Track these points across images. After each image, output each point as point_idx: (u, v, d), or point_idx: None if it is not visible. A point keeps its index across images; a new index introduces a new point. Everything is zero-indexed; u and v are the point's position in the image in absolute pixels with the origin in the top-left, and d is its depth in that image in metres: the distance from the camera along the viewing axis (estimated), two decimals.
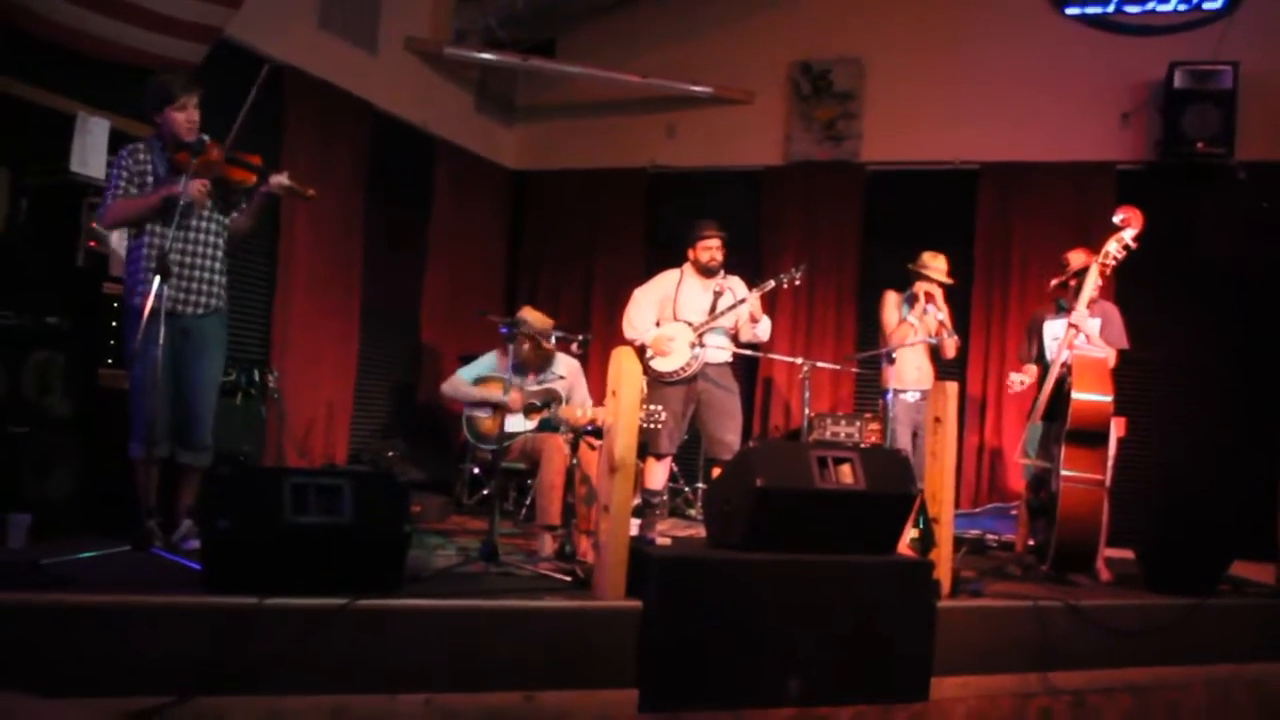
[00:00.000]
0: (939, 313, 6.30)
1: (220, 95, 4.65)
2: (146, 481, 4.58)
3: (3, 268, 4.90)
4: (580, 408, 5.66)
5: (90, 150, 5.50)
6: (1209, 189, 7.91)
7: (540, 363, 5.91)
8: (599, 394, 4.89)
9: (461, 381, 5.91)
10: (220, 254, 4.80)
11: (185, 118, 4.65)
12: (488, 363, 5.96)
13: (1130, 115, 8.19)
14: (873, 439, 7.57)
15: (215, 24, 6.09)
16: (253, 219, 4.88)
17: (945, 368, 6.66)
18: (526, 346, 5.77)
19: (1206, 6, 8.04)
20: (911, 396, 6.33)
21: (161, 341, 4.34)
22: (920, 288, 6.34)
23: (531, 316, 5.88)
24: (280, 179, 4.71)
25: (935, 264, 6.42)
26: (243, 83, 4.49)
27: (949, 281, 6.43)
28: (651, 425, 5.55)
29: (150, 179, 4.67)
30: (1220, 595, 5.21)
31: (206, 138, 4.61)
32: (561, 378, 5.96)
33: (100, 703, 3.25)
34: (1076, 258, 5.89)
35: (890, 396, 6.18)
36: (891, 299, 6.52)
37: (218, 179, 4.62)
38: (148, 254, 4.61)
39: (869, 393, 8.21)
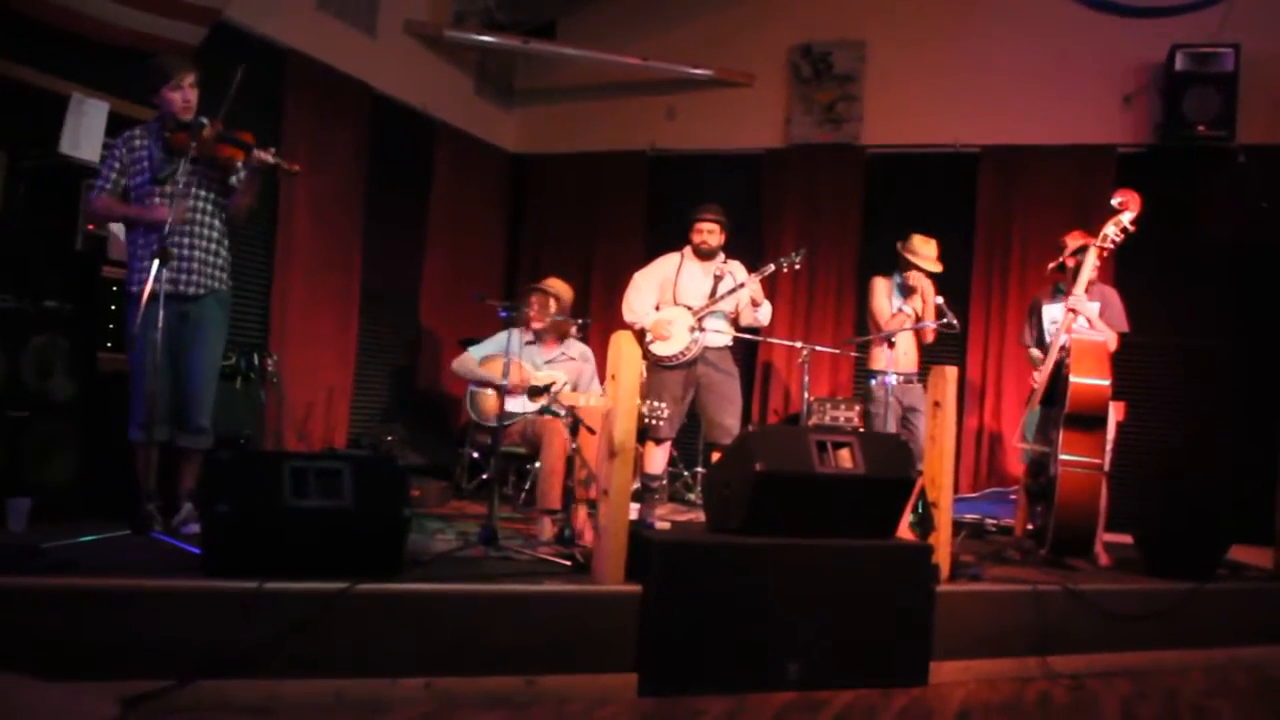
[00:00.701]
0: (933, 299, 6.28)
1: (219, 77, 4.62)
2: (146, 466, 4.59)
3: (1, 251, 4.89)
4: (585, 395, 5.66)
5: (85, 132, 5.49)
6: (1209, 172, 7.89)
7: (555, 334, 5.94)
8: (603, 378, 4.90)
9: (470, 359, 5.92)
10: (218, 234, 4.79)
11: (181, 97, 4.65)
12: (499, 340, 5.94)
13: (1131, 98, 8.16)
14: (856, 422, 7.56)
15: (214, 5, 6.07)
16: (249, 198, 4.84)
17: (945, 352, 6.65)
18: (553, 306, 5.89)
19: None
20: (895, 379, 6.29)
21: (160, 325, 4.34)
22: (913, 279, 6.30)
23: (559, 286, 6.04)
24: (263, 154, 4.67)
25: (925, 250, 6.37)
26: (241, 65, 4.48)
27: (938, 269, 6.40)
28: (653, 421, 5.57)
29: (145, 164, 4.67)
30: (1219, 579, 5.22)
31: (205, 120, 4.59)
32: (572, 359, 5.98)
33: (100, 686, 3.25)
34: (1074, 241, 5.88)
35: (890, 380, 6.17)
36: (881, 287, 6.47)
37: (209, 158, 4.61)
38: (145, 240, 4.61)
39: (869, 377, 8.21)
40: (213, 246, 4.76)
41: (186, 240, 4.65)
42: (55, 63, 5.54)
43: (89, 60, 5.67)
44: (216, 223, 4.79)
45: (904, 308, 6.30)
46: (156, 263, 4.28)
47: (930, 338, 6.42)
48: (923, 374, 6.34)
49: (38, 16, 5.42)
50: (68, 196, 5.33)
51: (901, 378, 6.30)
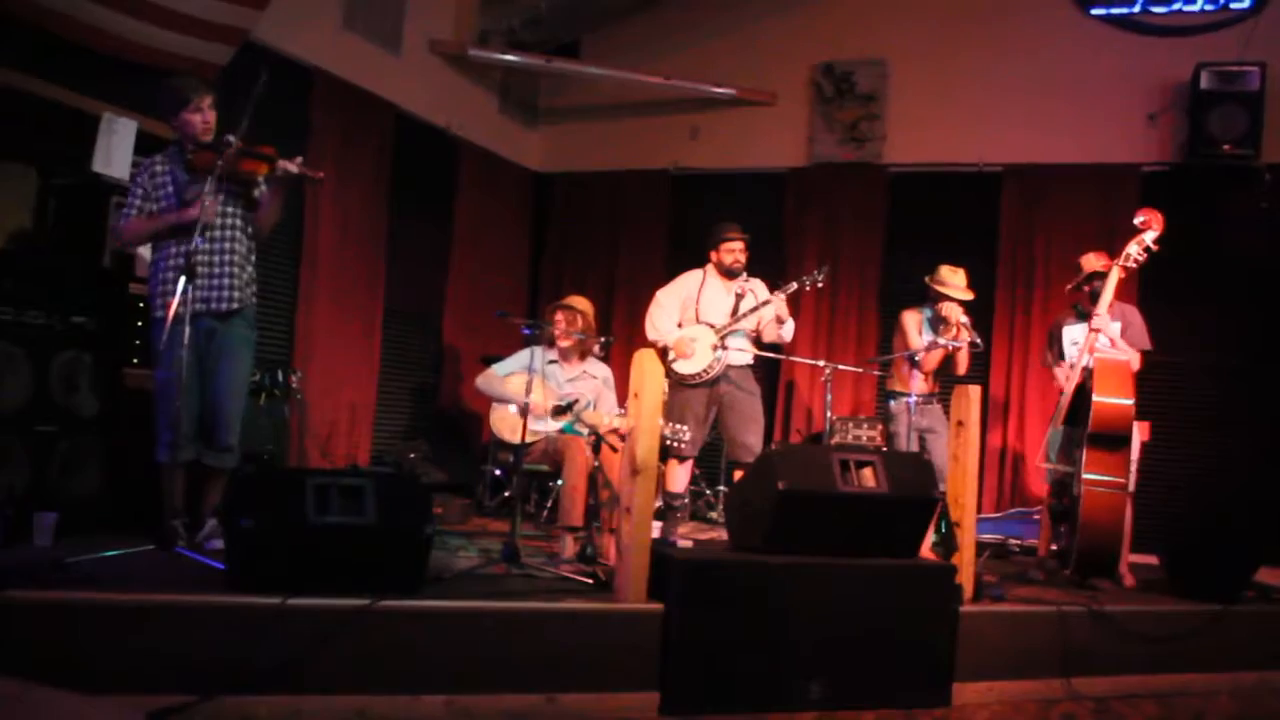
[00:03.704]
0: (967, 336, 6.19)
1: (246, 96, 4.64)
2: (172, 483, 4.60)
3: (31, 267, 4.94)
4: (606, 414, 5.67)
5: (115, 151, 5.54)
6: (1235, 191, 7.85)
7: (579, 351, 5.97)
8: (624, 396, 4.90)
9: (493, 376, 5.93)
10: (243, 250, 4.79)
11: (201, 119, 4.68)
12: (522, 358, 5.94)
13: (1156, 116, 8.13)
14: (879, 441, 7.51)
15: (241, 25, 6.12)
16: (274, 211, 4.85)
17: (968, 371, 6.59)
18: (579, 323, 5.94)
19: (1233, 6, 7.98)
20: (916, 400, 6.24)
21: (186, 343, 4.34)
22: (947, 312, 6.22)
23: (583, 303, 6.10)
24: (288, 164, 4.67)
25: (955, 280, 6.28)
26: (268, 83, 4.51)
27: (970, 296, 6.33)
28: (675, 444, 5.58)
29: (170, 188, 4.70)
30: (1246, 602, 5.18)
31: (232, 138, 4.59)
32: (594, 378, 5.99)
33: (124, 700, 3.28)
34: (1089, 261, 5.86)
35: (913, 400, 6.14)
36: (911, 321, 6.36)
37: (231, 173, 4.62)
38: (168, 264, 4.64)
39: (889, 397, 8.17)
40: (239, 260, 4.77)
41: (215, 258, 4.68)
42: (86, 82, 5.61)
43: (119, 80, 5.72)
44: (243, 238, 4.80)
45: (939, 340, 6.21)
46: (183, 280, 4.29)
47: (963, 369, 6.33)
48: (936, 395, 6.34)
49: (69, 36, 5.49)
50: (97, 214, 5.38)
51: (920, 398, 6.26)
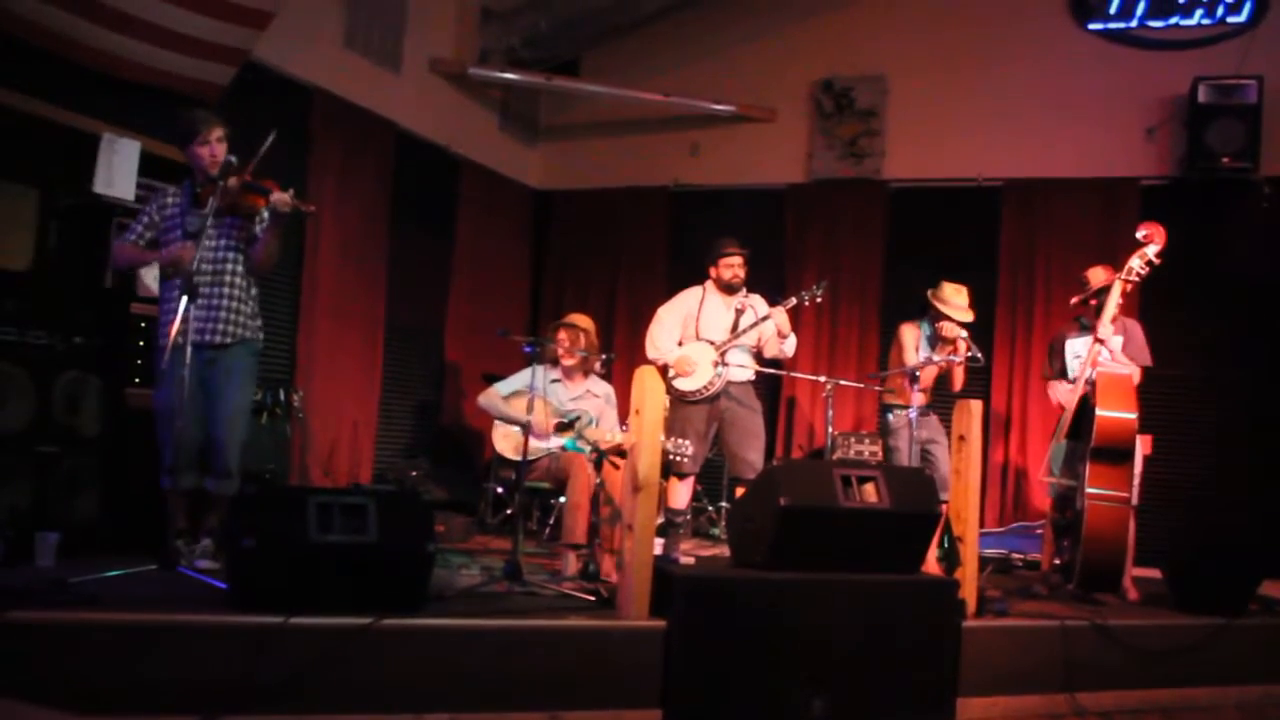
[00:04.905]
0: (967, 352, 6.18)
1: (248, 116, 4.66)
2: (175, 507, 4.61)
3: (34, 288, 4.95)
4: (609, 431, 5.67)
5: (117, 171, 5.55)
6: (1234, 204, 7.86)
7: (582, 369, 5.99)
8: (625, 413, 4.90)
9: (496, 395, 5.92)
10: (241, 284, 4.77)
11: (209, 152, 4.67)
12: (524, 377, 5.93)
13: (1155, 130, 8.15)
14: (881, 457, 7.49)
15: (241, 46, 6.13)
16: (272, 249, 4.82)
17: (969, 386, 6.58)
18: (582, 341, 5.95)
19: (1230, 20, 8.01)
20: (915, 413, 6.22)
21: (188, 364, 4.33)
22: (948, 332, 6.22)
23: (586, 321, 6.12)
24: (282, 197, 4.66)
25: (957, 299, 6.25)
26: (269, 103, 4.53)
27: (970, 317, 6.30)
28: (677, 458, 5.58)
29: (177, 219, 4.71)
30: (1250, 615, 5.16)
31: (234, 158, 4.57)
32: (596, 397, 5.99)
33: None
34: (1096, 275, 5.87)
35: (913, 414, 6.12)
36: (909, 337, 6.37)
37: (233, 205, 4.63)
38: (174, 287, 4.64)
39: (887, 410, 8.15)
40: (239, 294, 4.75)
41: (215, 290, 4.67)
42: (87, 103, 5.61)
43: (121, 100, 5.74)
44: (241, 271, 4.78)
45: (935, 358, 6.20)
46: (185, 300, 4.29)
47: (959, 385, 6.34)
48: (932, 406, 6.33)
49: (70, 57, 5.51)
50: (99, 235, 5.39)
51: (918, 411, 6.25)
